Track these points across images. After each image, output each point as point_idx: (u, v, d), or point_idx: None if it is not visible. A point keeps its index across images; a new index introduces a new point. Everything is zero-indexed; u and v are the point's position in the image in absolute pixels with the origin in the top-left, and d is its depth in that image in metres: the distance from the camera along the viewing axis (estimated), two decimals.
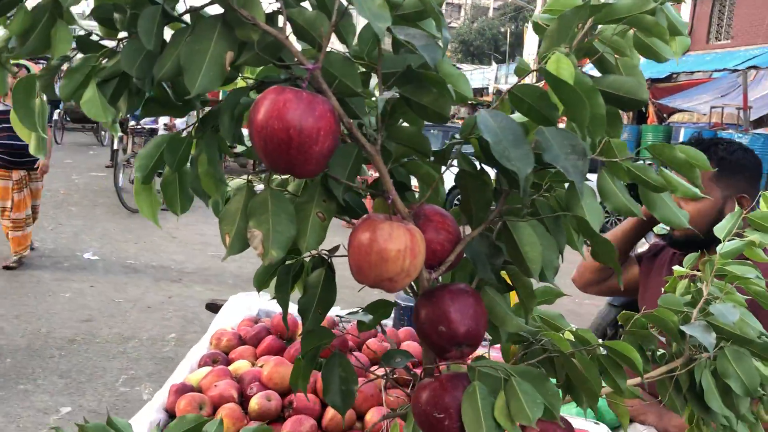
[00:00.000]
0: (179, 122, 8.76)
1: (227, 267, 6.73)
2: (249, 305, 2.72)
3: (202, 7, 0.68)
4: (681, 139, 11.66)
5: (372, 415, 1.67)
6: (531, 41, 19.92)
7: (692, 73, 16.17)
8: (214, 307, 2.88)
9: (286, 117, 0.60)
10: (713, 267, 1.16)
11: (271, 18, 0.68)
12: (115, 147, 9.94)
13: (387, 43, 0.72)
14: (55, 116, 16.81)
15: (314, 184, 0.75)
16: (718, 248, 1.17)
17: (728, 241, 1.15)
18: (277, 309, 2.70)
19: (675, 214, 0.81)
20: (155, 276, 6.33)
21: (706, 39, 18.25)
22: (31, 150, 0.78)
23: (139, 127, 9.91)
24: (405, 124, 0.77)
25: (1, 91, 0.72)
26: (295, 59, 0.67)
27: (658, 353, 1.09)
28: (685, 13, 18.52)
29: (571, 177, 0.69)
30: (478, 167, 0.78)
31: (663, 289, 1.30)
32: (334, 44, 0.70)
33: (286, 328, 2.05)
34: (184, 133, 0.77)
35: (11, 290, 5.48)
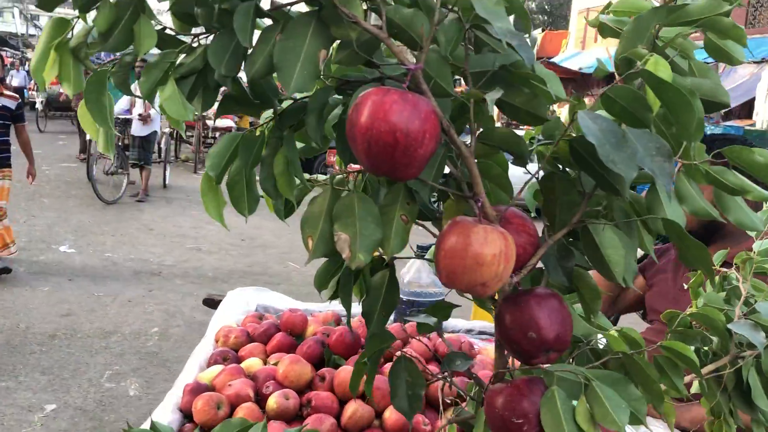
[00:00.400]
0: (153, 112, 8.61)
1: (207, 260, 6.66)
2: (247, 300, 2.68)
3: (290, 3, 0.65)
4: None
5: (390, 413, 1.66)
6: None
7: None
8: (211, 303, 2.83)
9: (392, 119, 0.58)
10: (752, 265, 1.17)
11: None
12: (89, 137, 9.74)
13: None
14: (38, 105, 16.51)
15: (397, 186, 0.73)
16: (755, 245, 1.19)
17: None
18: (275, 304, 2.67)
19: (749, 218, 0.81)
20: (134, 269, 6.22)
21: None
22: (100, 147, 0.74)
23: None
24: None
25: (77, 88, 0.69)
26: (387, 58, 0.65)
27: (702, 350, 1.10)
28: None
29: (658, 179, 0.68)
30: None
31: (685, 285, 1.32)
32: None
33: (349, 330, 1.96)
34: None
35: None
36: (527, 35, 0.71)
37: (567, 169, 0.76)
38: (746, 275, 1.16)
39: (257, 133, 0.76)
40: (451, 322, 2.51)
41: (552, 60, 19.13)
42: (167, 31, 0.71)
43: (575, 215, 0.75)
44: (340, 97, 0.72)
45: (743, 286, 1.16)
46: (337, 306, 2.59)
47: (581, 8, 21.78)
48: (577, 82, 16.30)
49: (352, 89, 0.69)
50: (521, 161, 0.74)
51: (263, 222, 7.74)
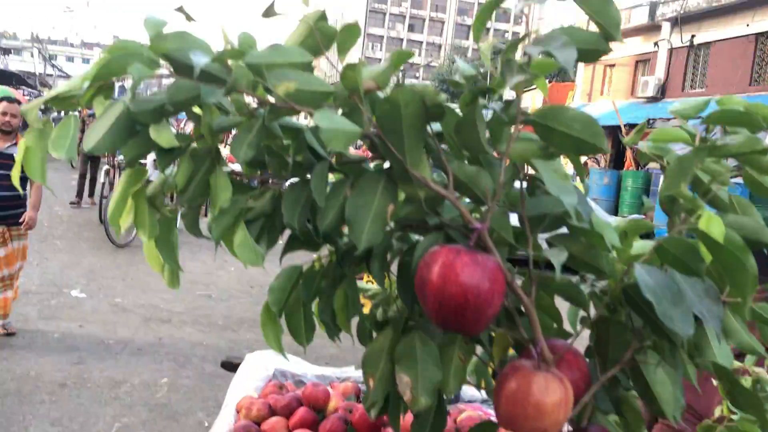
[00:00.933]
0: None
1: (217, 307, 6.66)
2: (266, 365, 2.69)
3: (362, 160, 0.68)
4: (660, 186, 11.89)
5: None
6: None
7: (668, 120, 16.57)
8: (230, 366, 2.83)
9: (464, 282, 0.61)
10: None
11: None
12: (102, 180, 9.84)
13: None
14: None
15: None
16: None
17: None
18: (293, 369, 2.68)
19: None
20: (144, 316, 6.22)
21: (681, 87, 18.72)
22: (166, 281, 0.77)
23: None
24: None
25: (153, 234, 0.71)
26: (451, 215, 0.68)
27: None
28: (661, 61, 19.01)
29: (708, 323, 0.70)
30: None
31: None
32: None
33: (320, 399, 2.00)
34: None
35: None
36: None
37: (617, 307, 0.78)
38: None
39: (316, 267, 0.79)
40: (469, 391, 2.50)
41: None
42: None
43: (626, 353, 0.77)
44: (400, 242, 0.75)
45: None
46: (354, 373, 2.59)
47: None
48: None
49: (413, 232, 0.72)
50: (582, 306, 0.77)
51: (272, 268, 7.74)
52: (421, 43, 68.68)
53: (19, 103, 5.44)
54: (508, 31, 59.97)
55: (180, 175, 0.66)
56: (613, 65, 21.64)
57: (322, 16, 0.64)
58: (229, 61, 0.62)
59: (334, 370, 2.71)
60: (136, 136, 0.63)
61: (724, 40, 17.25)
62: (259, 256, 0.71)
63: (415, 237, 0.84)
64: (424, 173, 0.64)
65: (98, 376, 4.80)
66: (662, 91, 18.85)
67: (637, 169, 15.47)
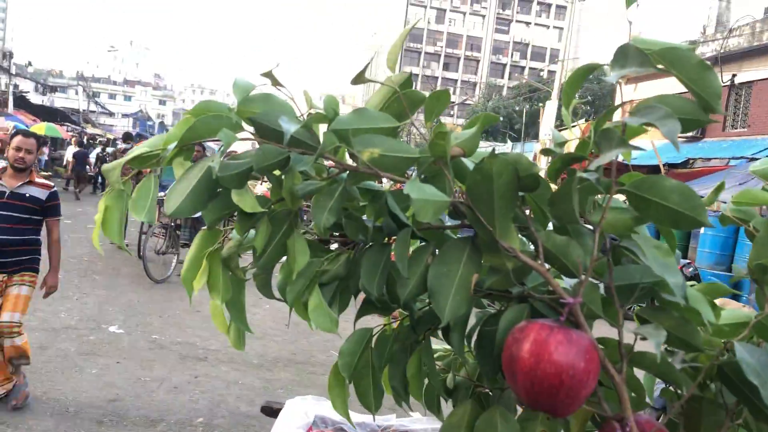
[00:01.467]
0: None
1: (252, 345, 6.64)
2: (306, 411, 2.66)
3: (446, 227, 0.66)
4: (701, 228, 11.62)
5: None
6: (547, 120, 20.20)
7: (709, 159, 16.33)
8: (270, 411, 2.80)
9: (559, 361, 0.58)
10: None
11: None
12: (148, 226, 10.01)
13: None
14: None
15: None
16: None
17: None
18: (333, 415, 2.65)
19: None
20: (181, 353, 6.23)
21: (722, 126, 18.48)
22: (231, 342, 0.75)
23: (162, 195, 10.00)
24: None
25: (225, 297, 0.70)
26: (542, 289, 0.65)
27: None
28: None
29: None
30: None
31: None
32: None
33: None
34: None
35: (39, 365, 5.41)
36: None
37: (707, 384, 0.74)
38: None
39: (388, 331, 0.76)
40: None
41: None
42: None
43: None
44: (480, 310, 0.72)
45: None
46: (395, 421, 2.54)
47: (624, 99, 21.96)
48: (621, 173, 16.32)
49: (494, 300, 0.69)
50: (677, 383, 0.72)
51: None
52: (456, 81, 69.25)
53: (37, 138, 4.69)
54: (543, 70, 60.18)
55: (259, 239, 0.64)
56: None
57: (407, 81, 0.62)
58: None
59: (376, 417, 2.66)
60: (217, 199, 0.62)
61: (766, 79, 17.04)
62: (333, 321, 0.68)
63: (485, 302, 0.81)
64: (514, 244, 0.62)
65: (135, 414, 4.80)
66: (702, 131, 18.63)
67: None
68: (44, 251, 4.73)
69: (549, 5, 74.48)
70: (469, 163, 0.66)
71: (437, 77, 70.05)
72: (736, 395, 0.69)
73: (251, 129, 0.62)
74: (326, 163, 0.68)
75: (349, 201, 0.69)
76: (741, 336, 0.69)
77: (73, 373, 5.39)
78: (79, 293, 7.80)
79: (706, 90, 0.62)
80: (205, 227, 0.70)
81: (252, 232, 0.69)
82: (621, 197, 0.66)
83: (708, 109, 0.63)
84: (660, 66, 0.63)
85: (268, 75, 0.60)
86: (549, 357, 0.59)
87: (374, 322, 0.90)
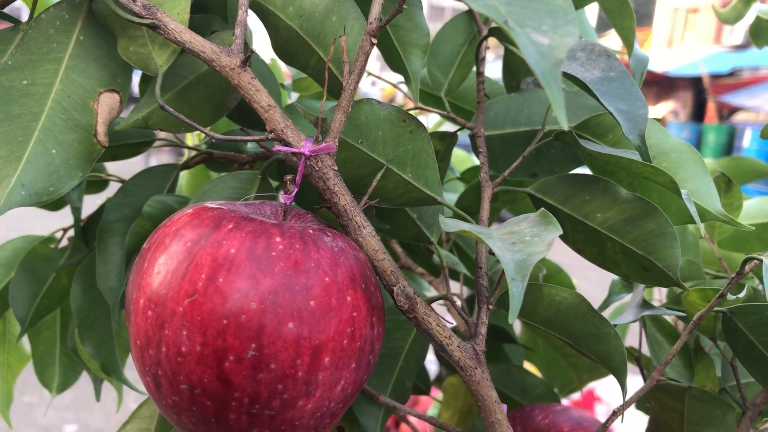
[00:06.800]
0: None
1: None
2: None
3: None
4: (745, 141, 11.10)
5: None
6: None
7: (757, 68, 15.52)
8: None
9: (246, 293, 0.24)
10: None
11: None
12: None
13: None
14: None
15: None
16: None
17: None
18: None
19: None
20: None
21: None
22: None
23: None
24: None
25: None
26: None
27: None
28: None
29: None
30: None
31: None
32: None
33: None
34: None
35: None
36: None
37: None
38: None
39: None
40: None
41: None
42: None
43: None
44: None
45: None
46: None
47: (668, 4, 20.66)
48: (661, 84, 15.50)
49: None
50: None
51: None
52: None
53: None
54: None
55: None
56: (696, 10, 20.33)
57: None
58: None
59: None
60: None
61: None
62: None
63: None
64: None
65: None
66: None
67: (720, 121, 14.62)
68: None
69: None
70: None
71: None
72: (745, 361, 0.44)
73: None
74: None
75: None
76: None
77: None
78: None
79: None
80: None
81: None
82: None
83: None
84: None
85: None
86: (217, 284, 0.24)
87: None
